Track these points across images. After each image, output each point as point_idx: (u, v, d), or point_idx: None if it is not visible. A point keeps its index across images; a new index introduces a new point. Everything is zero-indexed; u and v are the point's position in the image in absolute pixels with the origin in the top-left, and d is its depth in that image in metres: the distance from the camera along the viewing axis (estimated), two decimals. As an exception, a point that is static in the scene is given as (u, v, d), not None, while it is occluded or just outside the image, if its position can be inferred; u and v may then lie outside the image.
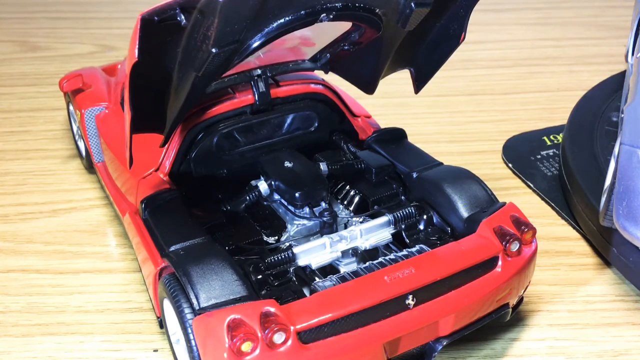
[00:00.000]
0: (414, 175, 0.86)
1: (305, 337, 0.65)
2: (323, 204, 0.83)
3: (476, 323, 0.74)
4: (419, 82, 0.91)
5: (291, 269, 0.74)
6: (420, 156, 0.90)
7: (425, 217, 0.81)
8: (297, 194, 0.80)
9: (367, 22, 0.75)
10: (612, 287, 0.88)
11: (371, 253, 0.79)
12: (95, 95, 1.06)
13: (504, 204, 0.79)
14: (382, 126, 0.98)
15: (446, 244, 0.75)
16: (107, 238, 0.98)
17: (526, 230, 0.75)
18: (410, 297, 0.69)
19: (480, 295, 0.72)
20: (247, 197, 0.83)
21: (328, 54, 0.88)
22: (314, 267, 0.76)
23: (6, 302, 0.87)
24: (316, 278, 0.74)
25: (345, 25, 0.80)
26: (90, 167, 1.09)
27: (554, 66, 1.50)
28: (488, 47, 1.60)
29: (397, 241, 0.80)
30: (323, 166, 0.87)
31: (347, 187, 0.87)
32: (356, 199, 0.85)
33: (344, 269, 0.76)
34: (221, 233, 0.79)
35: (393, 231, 0.80)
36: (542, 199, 1.05)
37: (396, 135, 0.95)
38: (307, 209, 0.82)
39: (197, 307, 0.66)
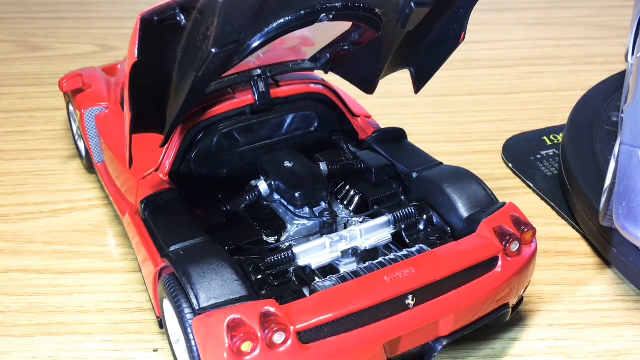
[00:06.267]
0: (414, 175, 0.86)
1: (305, 337, 0.65)
2: (323, 204, 0.83)
3: (476, 323, 0.74)
4: (419, 82, 0.90)
5: (291, 269, 0.74)
6: (420, 156, 0.90)
7: (425, 217, 0.81)
8: (297, 194, 0.80)
9: (367, 22, 0.75)
10: (612, 287, 0.88)
11: (371, 253, 0.79)
12: (95, 95, 1.06)
13: (504, 204, 0.78)
14: (382, 126, 0.98)
15: (446, 244, 0.75)
16: (107, 238, 0.98)
17: (526, 230, 0.75)
18: (410, 297, 0.69)
19: (480, 295, 0.72)
20: (247, 197, 0.83)
21: (328, 54, 0.88)
22: (314, 267, 0.76)
23: (6, 302, 0.87)
24: (316, 278, 0.74)
25: (345, 25, 0.80)
26: (90, 167, 1.09)
27: (554, 66, 1.50)
28: (488, 47, 1.60)
29: (397, 241, 0.80)
30: (323, 166, 0.87)
31: (347, 187, 0.87)
32: (356, 199, 0.85)
33: (344, 269, 0.76)
34: (221, 233, 0.79)
35: (393, 231, 0.80)
36: (542, 199, 1.05)
37: (396, 135, 0.95)
38: (307, 209, 0.82)
39: (197, 307, 0.66)
